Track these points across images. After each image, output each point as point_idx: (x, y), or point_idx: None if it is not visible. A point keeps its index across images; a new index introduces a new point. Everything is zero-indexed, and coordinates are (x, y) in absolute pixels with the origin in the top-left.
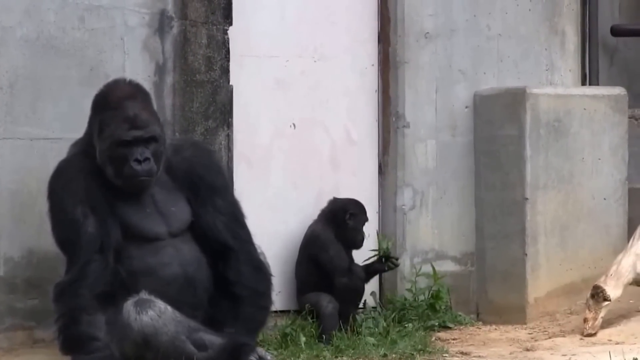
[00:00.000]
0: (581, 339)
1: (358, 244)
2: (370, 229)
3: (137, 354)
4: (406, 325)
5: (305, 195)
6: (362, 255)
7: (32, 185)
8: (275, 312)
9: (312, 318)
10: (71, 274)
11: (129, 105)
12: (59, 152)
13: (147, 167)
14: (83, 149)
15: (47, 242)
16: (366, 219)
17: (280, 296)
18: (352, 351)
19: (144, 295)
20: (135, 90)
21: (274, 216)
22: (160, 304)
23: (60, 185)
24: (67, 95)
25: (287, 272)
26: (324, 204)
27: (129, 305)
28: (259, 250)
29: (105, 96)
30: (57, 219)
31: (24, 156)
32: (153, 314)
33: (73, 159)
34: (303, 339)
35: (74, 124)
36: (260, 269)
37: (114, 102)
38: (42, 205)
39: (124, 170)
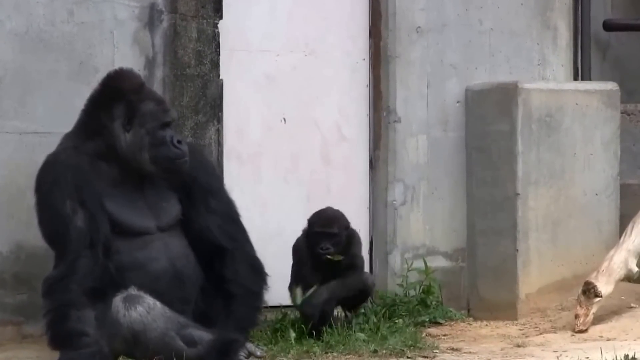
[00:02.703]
0: (572, 335)
1: (317, 258)
2: (361, 225)
3: (126, 350)
4: (396, 321)
5: (295, 191)
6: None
7: (20, 180)
8: (266, 307)
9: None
10: (60, 269)
11: (151, 90)
12: (48, 147)
13: (185, 149)
14: (73, 144)
15: (35, 237)
16: (323, 235)
17: (270, 292)
18: (342, 347)
19: (132, 290)
20: (141, 79)
21: (264, 212)
22: (149, 300)
23: (49, 179)
24: (57, 90)
25: (276, 268)
26: (314, 199)
27: (117, 301)
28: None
29: (119, 85)
30: (46, 214)
31: (13, 150)
32: (142, 309)
33: (62, 153)
34: (293, 334)
35: (63, 118)
36: (256, 269)
37: (134, 89)
38: (31, 200)
39: (165, 153)
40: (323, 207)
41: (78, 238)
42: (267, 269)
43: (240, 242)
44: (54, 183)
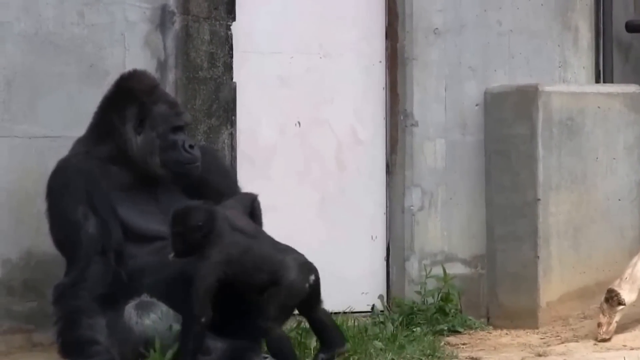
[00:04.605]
0: (595, 344)
1: None
2: (377, 230)
3: (138, 358)
4: (414, 329)
5: (309, 196)
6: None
7: (29, 185)
8: None
9: None
10: (71, 276)
11: (164, 93)
12: (58, 151)
13: (197, 153)
14: (85, 148)
15: (45, 243)
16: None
17: None
18: (359, 356)
19: (145, 297)
20: (156, 81)
21: (277, 217)
22: (162, 307)
23: (60, 185)
24: (66, 93)
25: None
26: (329, 204)
27: (130, 308)
28: None
29: (132, 86)
30: (57, 220)
31: (22, 155)
32: (155, 317)
33: (73, 158)
34: (314, 344)
35: (73, 121)
36: None
37: (147, 91)
38: (41, 205)
39: (176, 158)
40: (338, 212)
41: (89, 244)
42: None
43: None
44: (65, 189)
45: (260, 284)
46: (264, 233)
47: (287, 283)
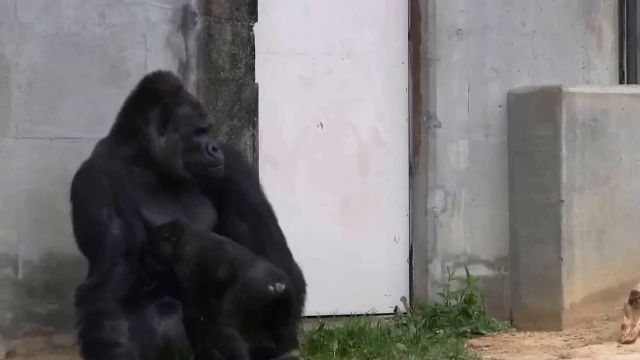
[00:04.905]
0: (619, 346)
1: None
2: (400, 232)
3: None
4: (437, 331)
5: (331, 198)
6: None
7: (50, 187)
8: (302, 317)
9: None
10: (94, 277)
11: (188, 94)
12: (79, 152)
13: (220, 156)
14: (108, 149)
15: (66, 244)
16: None
17: (306, 301)
18: (382, 358)
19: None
20: (180, 82)
21: (299, 218)
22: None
23: (85, 186)
24: (87, 94)
25: (311, 276)
26: (351, 206)
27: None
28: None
29: (157, 87)
30: (81, 221)
31: (43, 156)
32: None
33: (97, 159)
34: (336, 346)
35: (94, 123)
36: (294, 275)
37: (171, 93)
38: (61, 207)
39: (199, 160)
40: (360, 213)
41: (114, 246)
42: None
43: (275, 249)
44: (90, 190)
45: (222, 279)
46: (237, 244)
47: (244, 280)
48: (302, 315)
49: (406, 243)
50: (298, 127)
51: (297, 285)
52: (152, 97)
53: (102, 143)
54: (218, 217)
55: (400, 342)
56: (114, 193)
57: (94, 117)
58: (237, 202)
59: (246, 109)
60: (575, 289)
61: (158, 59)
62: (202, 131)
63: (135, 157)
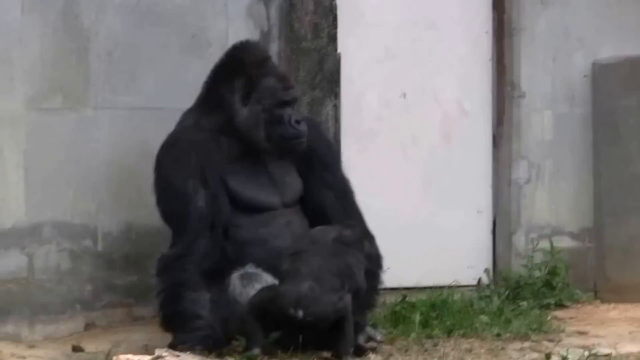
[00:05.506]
0: None
1: None
2: (483, 203)
3: (242, 330)
4: (521, 303)
5: (414, 169)
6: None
7: (130, 157)
8: (385, 289)
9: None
10: (177, 248)
11: (275, 66)
12: (159, 123)
13: (304, 129)
14: (194, 120)
15: (146, 216)
16: None
17: (388, 273)
18: (465, 330)
19: (250, 268)
20: (267, 53)
21: (381, 190)
22: (268, 278)
23: (171, 157)
24: (168, 64)
25: (394, 248)
26: (434, 177)
27: (235, 279)
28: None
29: (242, 57)
30: (166, 192)
31: (123, 127)
32: (259, 287)
33: (183, 131)
34: (418, 318)
35: (174, 93)
36: (370, 248)
37: (257, 64)
38: (142, 178)
39: (281, 132)
40: (443, 185)
41: (199, 218)
42: (384, 248)
43: (354, 221)
44: (176, 162)
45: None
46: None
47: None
48: (381, 288)
49: (489, 214)
50: (381, 98)
51: (374, 259)
52: (237, 67)
53: (188, 113)
54: (303, 186)
55: (483, 314)
56: (200, 165)
57: (174, 87)
58: (321, 173)
59: (328, 80)
60: None
61: (239, 28)
62: (285, 104)
63: (221, 127)
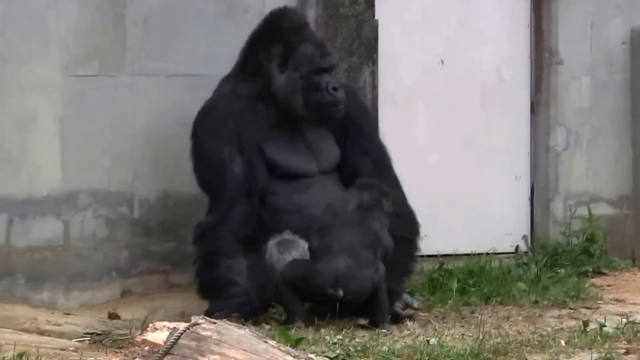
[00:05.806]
0: None
1: None
2: (521, 170)
3: (279, 297)
4: (558, 270)
5: (453, 136)
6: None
7: (167, 125)
8: (422, 256)
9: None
10: (214, 216)
11: (312, 33)
12: (195, 90)
13: (341, 96)
14: (231, 87)
15: (183, 184)
16: None
17: (426, 240)
18: (502, 297)
19: (287, 235)
20: (305, 19)
21: (420, 157)
22: (305, 245)
23: (207, 125)
24: (204, 30)
25: (432, 216)
26: (473, 144)
27: (271, 246)
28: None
29: (280, 24)
30: (202, 160)
31: (159, 94)
32: (297, 254)
33: (220, 98)
34: (456, 285)
35: (210, 60)
36: (408, 216)
37: (294, 31)
38: (178, 145)
39: (318, 99)
40: (482, 152)
41: (235, 185)
42: (422, 216)
43: (391, 187)
44: (213, 129)
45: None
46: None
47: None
48: (419, 254)
49: (527, 181)
50: (419, 65)
51: (412, 223)
52: (275, 33)
53: (225, 80)
54: (340, 152)
55: (520, 281)
56: (236, 132)
57: (210, 54)
58: (358, 139)
59: (366, 46)
60: None
61: None
62: (323, 70)
63: (258, 93)
